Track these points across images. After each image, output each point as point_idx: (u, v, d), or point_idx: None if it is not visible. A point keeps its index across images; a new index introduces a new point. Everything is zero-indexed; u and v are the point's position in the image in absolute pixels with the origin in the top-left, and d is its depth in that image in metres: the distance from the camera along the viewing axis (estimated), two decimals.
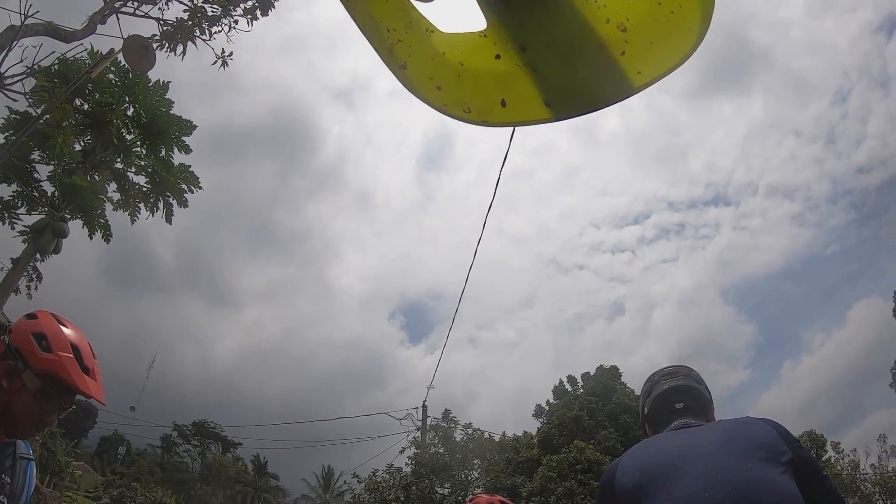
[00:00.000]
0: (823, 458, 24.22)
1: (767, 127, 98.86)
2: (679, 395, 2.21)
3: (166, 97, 11.60)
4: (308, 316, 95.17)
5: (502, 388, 70.19)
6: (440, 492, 20.13)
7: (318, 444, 40.91)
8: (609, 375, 23.66)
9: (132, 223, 11.47)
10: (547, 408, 24.06)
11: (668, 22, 1.15)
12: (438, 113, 1.27)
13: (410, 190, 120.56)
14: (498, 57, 1.21)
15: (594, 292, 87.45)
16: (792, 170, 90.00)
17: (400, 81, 1.24)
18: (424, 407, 21.90)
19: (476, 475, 20.38)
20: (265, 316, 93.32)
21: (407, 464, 20.75)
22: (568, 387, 24.43)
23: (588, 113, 1.27)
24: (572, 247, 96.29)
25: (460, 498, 18.46)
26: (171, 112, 11.93)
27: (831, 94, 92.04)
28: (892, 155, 78.15)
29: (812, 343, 77.94)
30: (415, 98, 1.24)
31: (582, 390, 23.78)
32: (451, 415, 21.48)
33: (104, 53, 9.78)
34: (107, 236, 11.86)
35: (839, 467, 24.14)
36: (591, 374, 24.13)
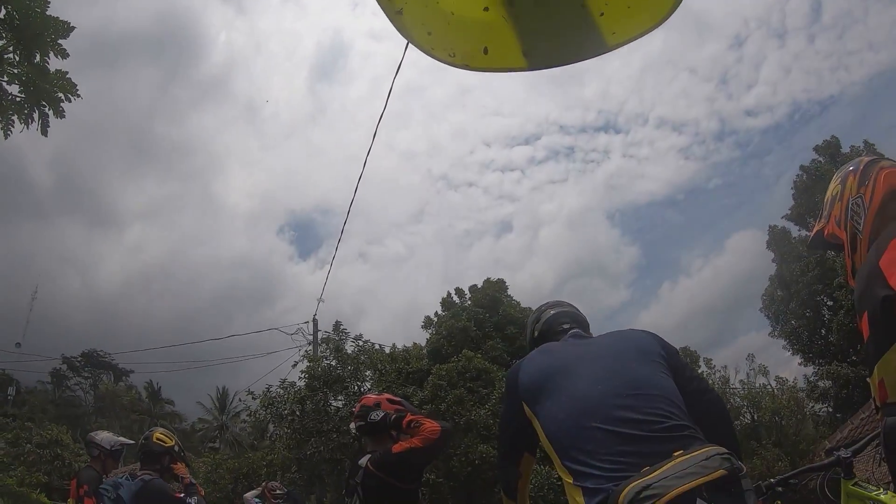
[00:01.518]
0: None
1: (664, 62, 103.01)
2: (566, 317, 2.58)
3: None
4: (193, 235, 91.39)
5: (392, 303, 71.45)
6: (334, 404, 20.33)
7: (210, 363, 40.21)
8: (496, 288, 24.36)
9: (6, 138, 10.75)
10: (435, 319, 24.53)
11: None
12: (425, 55, 1.36)
13: (300, 103, 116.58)
14: (486, 9, 1.30)
15: (483, 209, 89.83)
16: (683, 105, 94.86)
17: (393, 24, 1.31)
18: (315, 321, 22.03)
19: (368, 386, 20.58)
20: (148, 236, 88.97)
21: (300, 378, 20.80)
22: (456, 299, 24.90)
23: (561, 65, 1.39)
24: (462, 164, 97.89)
25: (354, 409, 18.75)
26: (47, 13, 11.05)
27: (729, 39, 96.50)
28: (779, 102, 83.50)
29: (691, 267, 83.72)
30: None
31: (469, 302, 24.35)
32: (341, 327, 21.70)
33: None
34: None
35: (711, 382, 26.23)
36: (479, 286, 24.70)
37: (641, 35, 1.31)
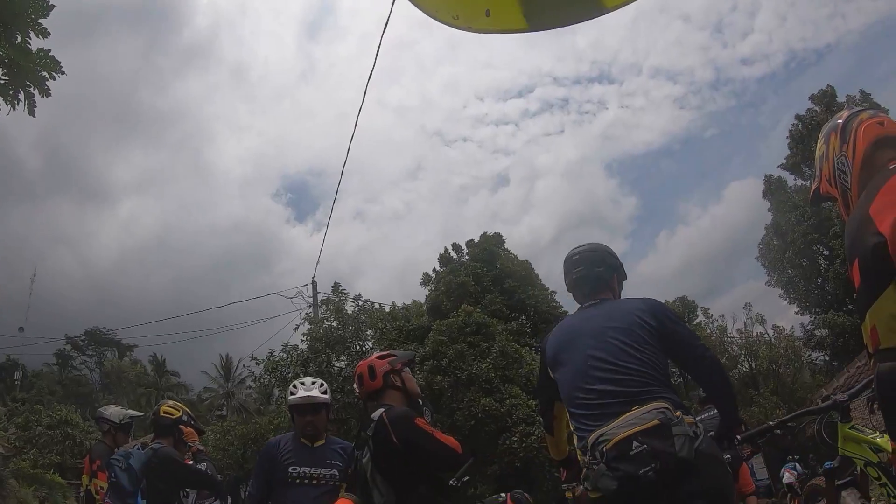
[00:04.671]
0: (694, 322, 26.46)
1: (657, 10, 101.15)
2: (583, 283, 3.05)
3: None
4: (186, 204, 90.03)
5: (390, 261, 71.81)
6: (337, 365, 20.31)
7: (212, 332, 40.23)
8: (493, 242, 24.48)
9: None
10: (434, 276, 24.62)
11: None
12: (427, 16, 1.37)
13: (289, 63, 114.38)
14: None
15: (478, 164, 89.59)
16: (677, 54, 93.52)
17: None
18: (314, 283, 22.10)
19: (370, 345, 20.69)
20: (141, 209, 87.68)
21: (302, 340, 20.90)
22: (453, 254, 24.98)
23: (560, 27, 1.38)
24: (456, 119, 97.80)
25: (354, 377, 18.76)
26: None
27: None
28: (775, 50, 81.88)
29: (689, 216, 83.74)
30: None
31: (467, 257, 24.47)
32: (340, 287, 21.59)
33: None
34: None
35: (708, 331, 26.30)
36: (476, 241, 24.75)
37: None
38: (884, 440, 2.64)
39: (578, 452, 2.63)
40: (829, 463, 3.24)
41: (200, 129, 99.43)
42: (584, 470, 2.49)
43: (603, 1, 1.27)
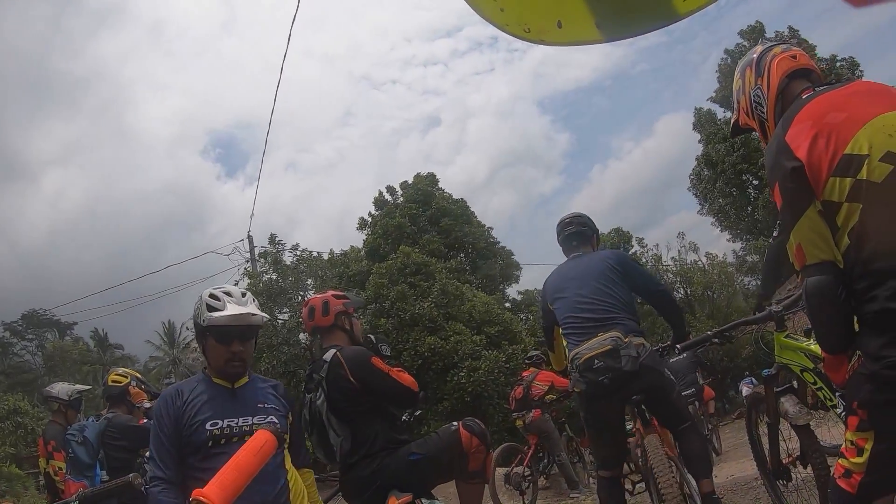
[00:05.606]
0: (630, 252, 27.17)
1: None
2: (572, 238, 4.04)
3: None
4: (112, 172, 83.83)
5: (325, 210, 70.93)
6: (280, 318, 19.98)
7: (150, 298, 39.14)
8: (427, 182, 24.42)
9: None
10: (370, 219, 24.47)
11: None
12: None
13: (209, 15, 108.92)
14: None
15: (409, 106, 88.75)
16: None
17: (466, 1, 1.30)
18: (250, 237, 21.63)
19: (311, 294, 20.61)
20: (65, 181, 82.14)
21: None
22: (388, 197, 24.84)
23: (634, 36, 1.34)
24: (384, 62, 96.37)
25: (300, 320, 18.62)
26: None
27: None
28: None
29: (621, 150, 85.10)
30: None
31: (402, 199, 24.37)
32: (277, 238, 21.25)
33: None
34: None
35: (644, 260, 26.99)
36: (409, 182, 24.63)
37: (713, 1, 1.26)
38: (817, 346, 2.73)
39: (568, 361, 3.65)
40: (766, 371, 3.35)
41: (120, 92, 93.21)
42: (570, 375, 3.58)
43: (676, 8, 1.26)
